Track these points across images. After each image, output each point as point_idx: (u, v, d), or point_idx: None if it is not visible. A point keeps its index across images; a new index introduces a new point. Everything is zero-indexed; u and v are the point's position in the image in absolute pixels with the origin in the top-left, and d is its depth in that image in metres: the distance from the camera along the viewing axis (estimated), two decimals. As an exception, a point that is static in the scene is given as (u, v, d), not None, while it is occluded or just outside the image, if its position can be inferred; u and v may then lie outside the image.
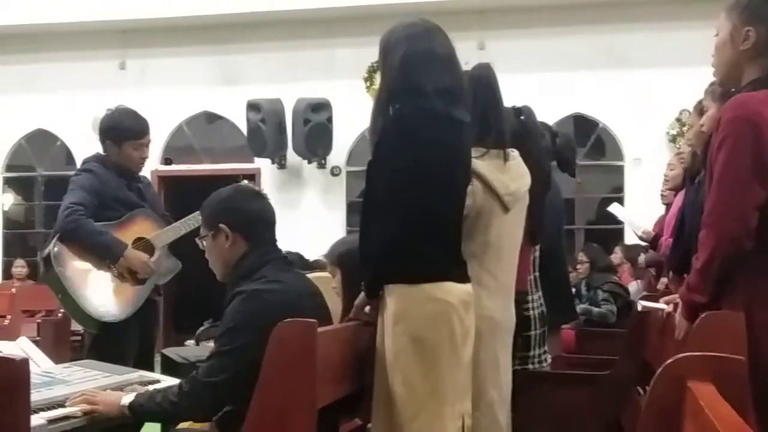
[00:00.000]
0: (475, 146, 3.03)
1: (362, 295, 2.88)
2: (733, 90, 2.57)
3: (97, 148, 4.31)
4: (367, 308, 2.92)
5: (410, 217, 2.71)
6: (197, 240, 2.96)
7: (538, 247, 3.85)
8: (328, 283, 3.30)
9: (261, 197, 2.97)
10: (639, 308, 3.45)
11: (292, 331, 2.35)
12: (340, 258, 3.33)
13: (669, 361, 1.48)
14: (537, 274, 3.88)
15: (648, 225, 5.47)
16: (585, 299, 6.77)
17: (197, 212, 4.19)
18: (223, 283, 2.90)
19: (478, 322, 2.86)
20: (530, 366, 3.78)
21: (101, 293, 3.98)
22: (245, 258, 2.80)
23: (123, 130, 4.17)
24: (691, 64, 6.60)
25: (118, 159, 4.16)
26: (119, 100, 5.48)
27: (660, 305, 3.05)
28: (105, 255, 4.01)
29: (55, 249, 3.94)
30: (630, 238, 8.33)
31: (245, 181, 4.16)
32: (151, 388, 2.95)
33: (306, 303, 2.73)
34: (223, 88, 10.37)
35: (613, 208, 5.86)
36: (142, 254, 4.11)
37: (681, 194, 4.36)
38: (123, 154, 4.15)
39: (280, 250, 2.90)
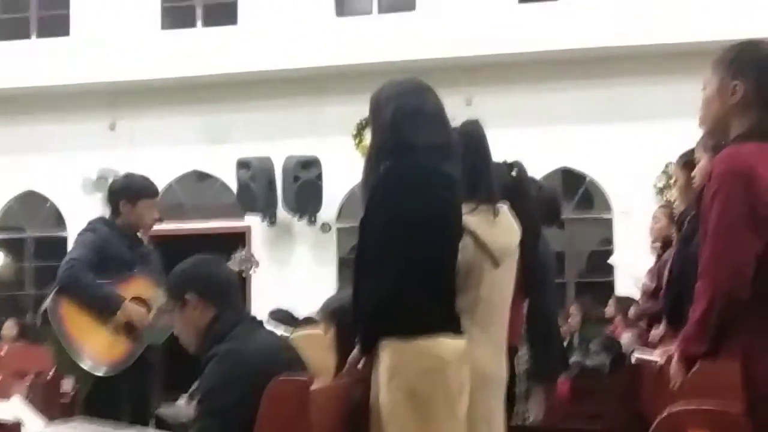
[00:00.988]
0: (465, 202, 3.05)
1: (356, 350, 2.87)
2: (723, 142, 2.60)
3: (87, 208, 4.37)
4: (360, 364, 2.91)
5: (404, 271, 2.71)
6: (166, 315, 2.98)
7: (525, 303, 3.85)
8: (319, 340, 3.28)
9: (221, 262, 3.03)
10: (633, 360, 3.45)
11: (286, 390, 2.35)
12: (334, 313, 3.33)
13: (665, 413, 1.49)
14: (524, 328, 3.88)
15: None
16: (577, 352, 6.74)
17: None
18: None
19: (470, 376, 2.85)
20: (512, 423, 3.75)
21: (95, 346, 4.00)
22: (215, 323, 2.82)
23: (138, 188, 4.33)
24: (676, 116, 6.70)
25: (131, 218, 4.28)
26: (109, 161, 5.56)
27: (653, 357, 3.05)
28: (103, 307, 4.05)
29: (53, 302, 4.00)
30: (621, 290, 8.33)
31: (242, 252, 4.27)
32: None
33: (281, 357, 2.74)
34: (212, 147, 10.41)
35: (614, 260, 5.86)
36: (141, 309, 4.13)
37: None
38: (136, 212, 4.28)
39: (247, 312, 2.94)
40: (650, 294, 5.17)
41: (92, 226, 4.26)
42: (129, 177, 4.46)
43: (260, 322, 2.97)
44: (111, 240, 4.20)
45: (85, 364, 3.94)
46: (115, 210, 4.31)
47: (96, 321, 4.04)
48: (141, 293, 4.18)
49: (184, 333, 2.90)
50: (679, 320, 2.78)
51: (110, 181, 4.44)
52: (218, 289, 2.88)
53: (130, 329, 4.11)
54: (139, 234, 4.42)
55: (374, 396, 2.77)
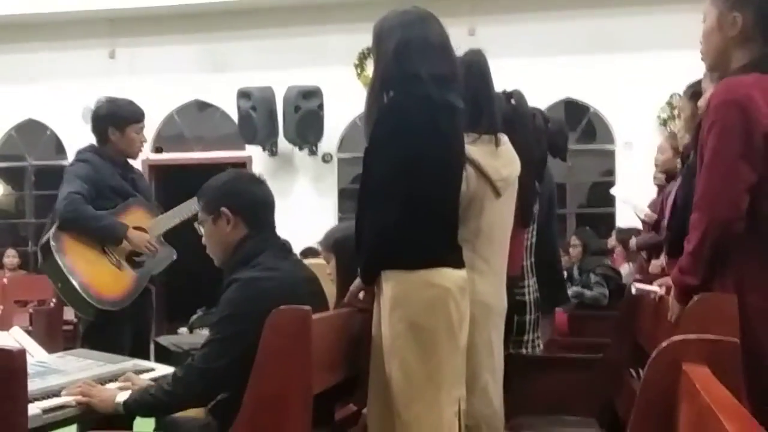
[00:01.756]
0: (467, 132, 3.04)
1: (357, 281, 2.89)
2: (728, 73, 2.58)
3: (87, 136, 4.33)
4: (362, 294, 2.93)
5: (407, 203, 2.71)
6: (196, 225, 2.94)
7: (534, 234, 3.86)
8: (320, 270, 3.30)
9: (261, 182, 2.96)
10: (632, 291, 3.47)
11: (287, 319, 2.36)
12: (336, 244, 3.34)
13: (664, 344, 1.49)
14: (532, 260, 3.89)
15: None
16: (577, 283, 6.80)
17: (190, 200, 4.21)
18: (215, 271, 2.90)
19: (471, 307, 2.87)
20: (524, 350, 3.81)
21: (101, 281, 4.01)
22: (244, 243, 2.79)
23: (125, 114, 4.25)
24: (681, 47, 6.61)
25: (120, 144, 4.21)
26: (109, 90, 5.49)
27: (652, 288, 3.07)
28: (108, 237, 4.04)
29: (55, 237, 3.96)
30: (622, 222, 8.36)
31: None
32: (145, 375, 2.96)
33: (302, 290, 2.73)
34: (213, 76, 10.33)
35: (615, 191, 5.86)
36: (144, 234, 4.14)
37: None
38: (126, 138, 4.21)
39: (278, 237, 2.90)
40: (651, 226, 5.18)
41: (83, 156, 4.19)
42: (114, 102, 4.35)
43: (289, 250, 2.94)
44: (104, 170, 4.14)
45: (92, 299, 3.94)
46: (103, 137, 4.24)
47: (99, 254, 4.04)
48: (139, 222, 4.16)
49: (213, 247, 2.86)
50: (680, 252, 2.78)
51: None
52: (254, 208, 2.83)
53: (132, 258, 4.12)
54: (129, 161, 4.36)
55: (376, 326, 2.80)
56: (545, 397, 3.70)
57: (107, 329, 3.96)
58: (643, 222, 5.47)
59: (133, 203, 4.21)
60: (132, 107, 4.31)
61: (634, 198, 5.88)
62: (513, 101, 3.57)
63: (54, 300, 6.30)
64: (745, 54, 2.46)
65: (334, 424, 2.97)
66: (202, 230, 2.90)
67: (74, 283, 3.92)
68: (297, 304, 2.40)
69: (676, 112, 8.55)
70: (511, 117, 3.42)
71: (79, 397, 2.59)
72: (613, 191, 6.08)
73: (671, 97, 8.99)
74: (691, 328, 2.10)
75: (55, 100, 10.55)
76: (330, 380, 2.73)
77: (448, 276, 2.75)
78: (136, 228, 4.14)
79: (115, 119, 4.21)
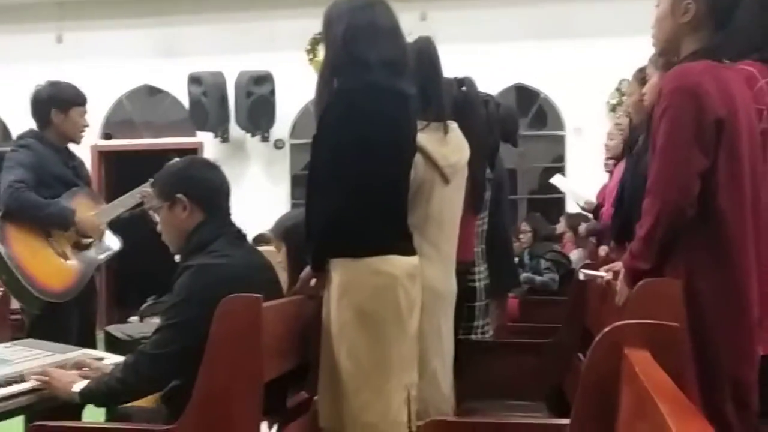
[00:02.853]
0: (417, 119, 3.05)
1: (307, 268, 2.89)
2: (675, 59, 2.62)
3: (34, 123, 4.22)
4: (312, 282, 2.93)
5: (356, 190, 2.72)
6: (150, 212, 2.92)
7: (485, 220, 3.89)
8: (272, 258, 3.29)
9: (216, 168, 2.95)
10: (581, 276, 3.51)
11: (238, 306, 2.35)
12: (286, 232, 3.33)
13: (607, 328, 1.52)
14: (483, 246, 3.92)
15: (589, 195, 5.56)
16: (528, 268, 6.86)
17: (135, 189, 4.18)
18: (166, 259, 2.88)
19: (421, 293, 2.89)
20: (473, 336, 3.84)
21: (46, 273, 3.92)
22: (199, 229, 2.78)
23: (68, 96, 4.14)
24: (630, 33, 6.69)
25: (63, 127, 4.10)
26: (57, 74, 5.37)
27: (600, 273, 3.11)
28: (57, 223, 3.95)
29: None
30: (572, 207, 8.45)
31: (177, 159, 4.15)
32: (99, 363, 2.94)
33: (256, 277, 2.72)
34: (163, 61, 10.22)
35: (555, 180, 5.93)
36: (93, 217, 4.07)
37: (621, 164, 4.43)
38: (69, 121, 4.10)
39: (233, 224, 2.89)
40: (592, 213, 5.24)
41: (24, 142, 4.05)
42: (55, 85, 4.19)
43: (244, 236, 2.93)
44: (46, 156, 4.03)
45: (37, 292, 3.86)
46: (45, 121, 4.11)
47: (44, 245, 3.94)
48: (84, 212, 4.09)
49: (168, 234, 2.85)
50: (627, 237, 2.82)
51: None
52: (210, 194, 2.83)
53: (78, 247, 4.05)
54: (71, 148, 4.26)
55: (325, 313, 2.80)
56: (495, 381, 3.74)
57: (54, 320, 3.88)
58: (584, 209, 5.53)
59: (78, 192, 4.11)
60: (74, 90, 4.19)
61: (573, 186, 5.95)
62: (464, 88, 3.58)
63: (0, 289, 6.19)
64: (695, 41, 2.50)
65: (286, 412, 2.97)
66: (157, 217, 2.88)
67: (18, 275, 3.83)
68: (251, 291, 2.40)
69: (624, 98, 8.65)
70: (462, 104, 3.44)
71: (42, 377, 2.58)
72: (552, 180, 6.14)
73: (620, 83, 9.10)
74: (637, 313, 2.13)
75: (2, 84, 10.36)
76: (281, 368, 2.73)
77: (396, 263, 2.76)
78: None
79: (57, 101, 4.10)
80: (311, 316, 2.92)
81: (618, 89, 9.27)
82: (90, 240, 4.09)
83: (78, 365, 2.84)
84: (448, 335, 3.25)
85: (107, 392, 2.59)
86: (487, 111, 3.93)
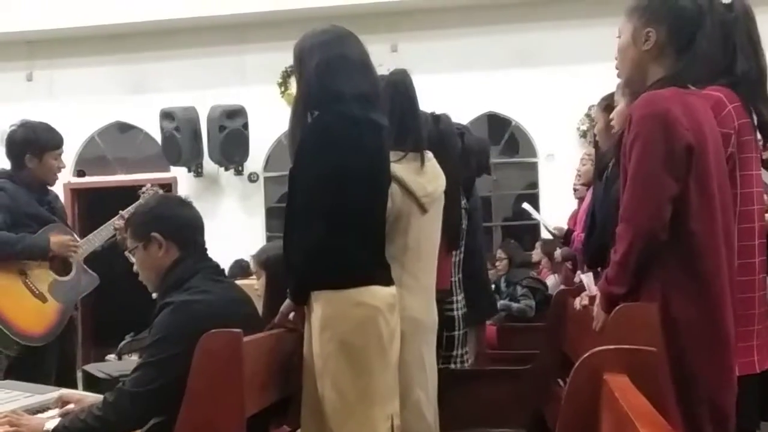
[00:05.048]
0: (393, 150, 3.07)
1: (287, 301, 2.89)
2: (641, 90, 2.65)
3: (4, 162, 4.19)
4: (292, 315, 2.93)
5: (334, 222, 2.73)
6: (126, 254, 2.92)
7: (462, 250, 3.91)
8: (250, 291, 3.29)
9: (188, 204, 2.96)
10: (577, 279, 3.52)
11: (218, 342, 2.36)
12: (267, 261, 3.34)
13: (586, 355, 1.54)
14: (460, 276, 3.95)
15: (560, 221, 5.60)
16: (505, 295, 6.88)
17: (108, 222, 4.17)
18: (143, 296, 2.88)
19: (401, 323, 2.90)
20: (452, 365, 3.85)
21: (24, 316, 3.89)
22: (176, 266, 2.78)
23: (43, 141, 4.10)
24: (597, 60, 6.75)
25: (38, 171, 4.08)
26: (27, 113, 5.36)
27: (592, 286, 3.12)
28: (34, 254, 3.93)
29: None
30: (546, 233, 8.49)
31: (149, 186, 4.14)
32: (82, 396, 2.92)
33: (234, 312, 2.71)
34: (134, 98, 10.20)
35: (526, 207, 5.97)
36: (64, 236, 4.05)
37: (591, 190, 4.47)
38: (44, 165, 4.08)
39: (210, 259, 2.90)
40: (562, 238, 5.28)
41: None
42: (29, 127, 4.15)
43: (222, 271, 2.94)
44: (19, 197, 4.01)
45: (15, 336, 3.82)
46: (18, 163, 4.09)
47: (21, 288, 3.92)
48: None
49: (145, 272, 2.85)
50: (601, 263, 2.85)
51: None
52: (184, 231, 2.83)
53: (56, 286, 4.02)
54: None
55: (307, 347, 2.81)
56: (476, 409, 3.76)
57: (33, 360, 3.85)
58: (554, 235, 5.57)
59: (52, 230, 4.08)
60: (50, 133, 4.16)
61: (541, 213, 6.00)
62: (441, 125, 3.63)
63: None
64: (660, 68, 2.54)
65: (268, 446, 2.97)
66: (132, 258, 2.88)
67: None
68: (230, 326, 2.40)
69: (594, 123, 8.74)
70: (437, 140, 3.48)
71: (7, 428, 2.54)
72: (524, 206, 6.20)
73: (590, 108, 9.17)
74: (614, 337, 2.16)
75: (-28, 124, 10.29)
76: (263, 402, 2.73)
77: (377, 294, 2.77)
78: (55, 256, 4.04)
79: (31, 146, 4.07)
80: (291, 350, 2.92)
81: (587, 115, 9.33)
82: (67, 278, 4.07)
83: (61, 401, 2.82)
84: (431, 365, 3.26)
85: (85, 429, 2.56)
86: (463, 143, 3.97)
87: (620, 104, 3.30)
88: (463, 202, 3.82)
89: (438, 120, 3.62)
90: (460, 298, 3.92)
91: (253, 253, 3.74)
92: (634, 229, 2.41)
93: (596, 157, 4.13)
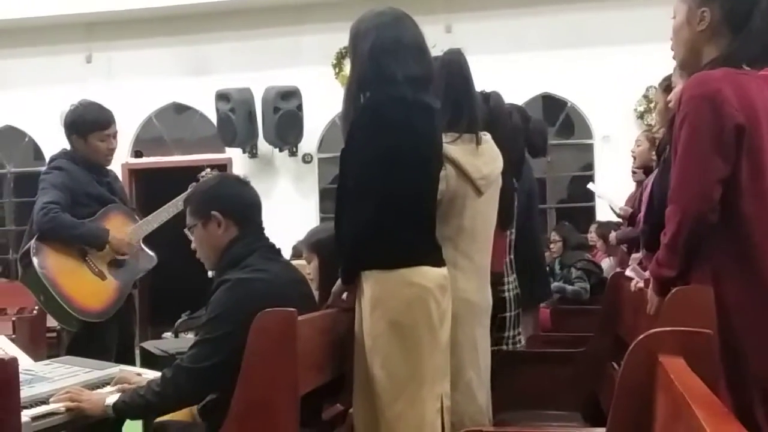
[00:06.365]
0: (448, 131, 3.07)
1: (339, 282, 2.91)
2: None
3: (65, 142, 4.26)
4: (345, 295, 2.95)
5: (385, 202, 2.74)
6: (186, 231, 2.96)
7: (514, 231, 3.89)
8: (303, 271, 3.31)
9: (247, 184, 3.00)
10: (626, 272, 3.49)
11: (273, 320, 2.38)
12: (318, 244, 3.35)
13: (641, 337, 1.53)
14: (512, 256, 3.93)
15: (621, 202, 5.55)
16: (559, 278, 6.84)
17: (169, 204, 4.21)
18: (199, 274, 2.91)
19: (455, 304, 2.91)
20: (504, 347, 3.84)
21: (84, 292, 3.96)
22: (234, 245, 2.82)
23: (88, 122, 4.12)
24: (656, 40, 6.63)
25: (86, 152, 4.13)
26: (86, 94, 5.44)
27: (644, 274, 3.09)
28: (91, 243, 3.99)
29: (35, 249, 3.89)
30: (602, 216, 8.42)
31: (208, 171, 4.18)
32: (139, 378, 2.97)
33: (291, 291, 2.75)
34: (191, 79, 10.30)
35: (592, 186, 5.92)
36: (125, 236, 4.11)
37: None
38: (90, 146, 4.12)
39: (267, 238, 2.93)
40: (627, 220, 5.23)
41: (57, 164, 4.09)
42: (78, 110, 4.18)
43: (278, 251, 2.97)
44: (79, 176, 4.06)
45: (75, 312, 3.89)
46: (72, 144, 4.17)
47: (80, 265, 3.99)
48: (119, 228, 4.13)
49: (203, 250, 2.90)
50: (657, 245, 2.82)
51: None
52: (243, 210, 2.88)
53: (114, 264, 4.10)
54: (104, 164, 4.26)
55: (358, 326, 2.83)
56: (529, 392, 3.74)
57: (93, 338, 3.92)
58: (619, 216, 5.52)
59: (112, 210, 4.15)
60: (97, 114, 4.17)
61: (609, 193, 5.94)
62: (491, 103, 3.60)
63: (36, 307, 6.26)
64: (714, 49, 2.50)
65: (322, 424, 2.99)
66: (191, 236, 2.92)
67: (56, 296, 3.88)
68: (286, 305, 2.43)
69: (652, 105, 8.61)
70: (488, 120, 3.46)
71: (69, 403, 2.60)
72: (590, 186, 6.14)
73: (647, 90, 9.05)
74: (669, 320, 2.14)
75: (33, 106, 10.49)
76: (317, 381, 2.75)
77: (428, 274, 2.78)
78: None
79: (77, 127, 4.13)
80: (345, 329, 2.94)
81: (645, 96, 9.22)
82: (125, 257, 4.14)
83: (120, 381, 2.88)
84: (485, 347, 3.26)
85: (144, 405, 2.62)
86: (512, 122, 3.94)
87: (678, 85, 3.25)
88: (513, 182, 3.80)
89: (488, 99, 3.59)
90: (511, 279, 3.90)
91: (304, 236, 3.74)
92: (682, 211, 2.38)
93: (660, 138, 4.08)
